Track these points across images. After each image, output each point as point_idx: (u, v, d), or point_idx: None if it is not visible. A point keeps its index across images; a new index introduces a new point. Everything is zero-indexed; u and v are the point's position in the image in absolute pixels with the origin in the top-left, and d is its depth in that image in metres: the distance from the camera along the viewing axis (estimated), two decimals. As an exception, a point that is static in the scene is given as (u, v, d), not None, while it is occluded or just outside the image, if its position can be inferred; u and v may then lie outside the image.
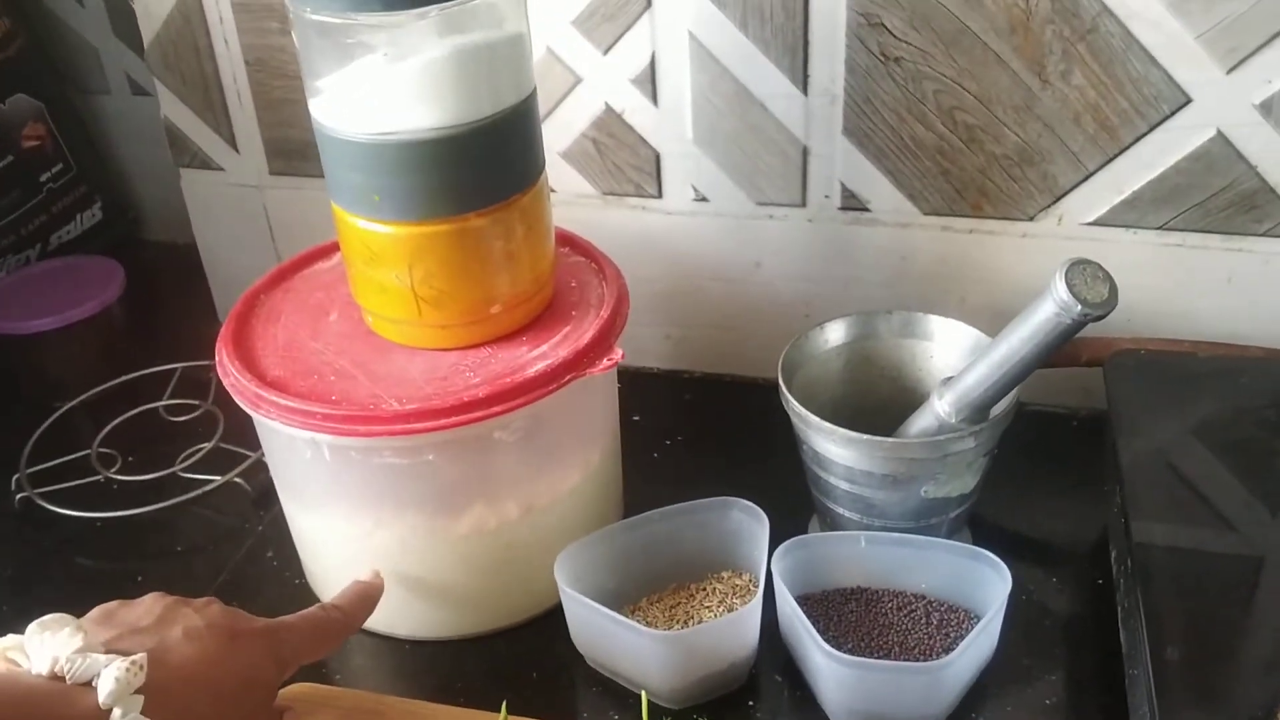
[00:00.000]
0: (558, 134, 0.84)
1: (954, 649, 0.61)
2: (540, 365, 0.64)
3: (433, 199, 0.62)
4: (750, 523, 0.67)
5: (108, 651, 0.49)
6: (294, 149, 0.92)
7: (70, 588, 0.76)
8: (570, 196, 0.87)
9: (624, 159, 0.85)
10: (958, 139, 0.77)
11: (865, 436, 0.64)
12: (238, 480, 0.82)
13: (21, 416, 0.90)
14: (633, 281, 0.72)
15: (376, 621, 0.70)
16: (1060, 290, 0.58)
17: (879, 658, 0.64)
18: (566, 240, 0.75)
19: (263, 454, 0.73)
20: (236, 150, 0.94)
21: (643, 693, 0.60)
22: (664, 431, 0.85)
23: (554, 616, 0.68)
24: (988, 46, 0.73)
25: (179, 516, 0.80)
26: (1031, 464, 0.77)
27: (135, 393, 0.92)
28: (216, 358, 0.67)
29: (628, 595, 0.69)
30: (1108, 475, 0.68)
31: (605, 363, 0.65)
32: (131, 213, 1.17)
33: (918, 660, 0.64)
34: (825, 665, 0.60)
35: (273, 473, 0.72)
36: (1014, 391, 0.65)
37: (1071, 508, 0.75)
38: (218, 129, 0.94)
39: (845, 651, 0.62)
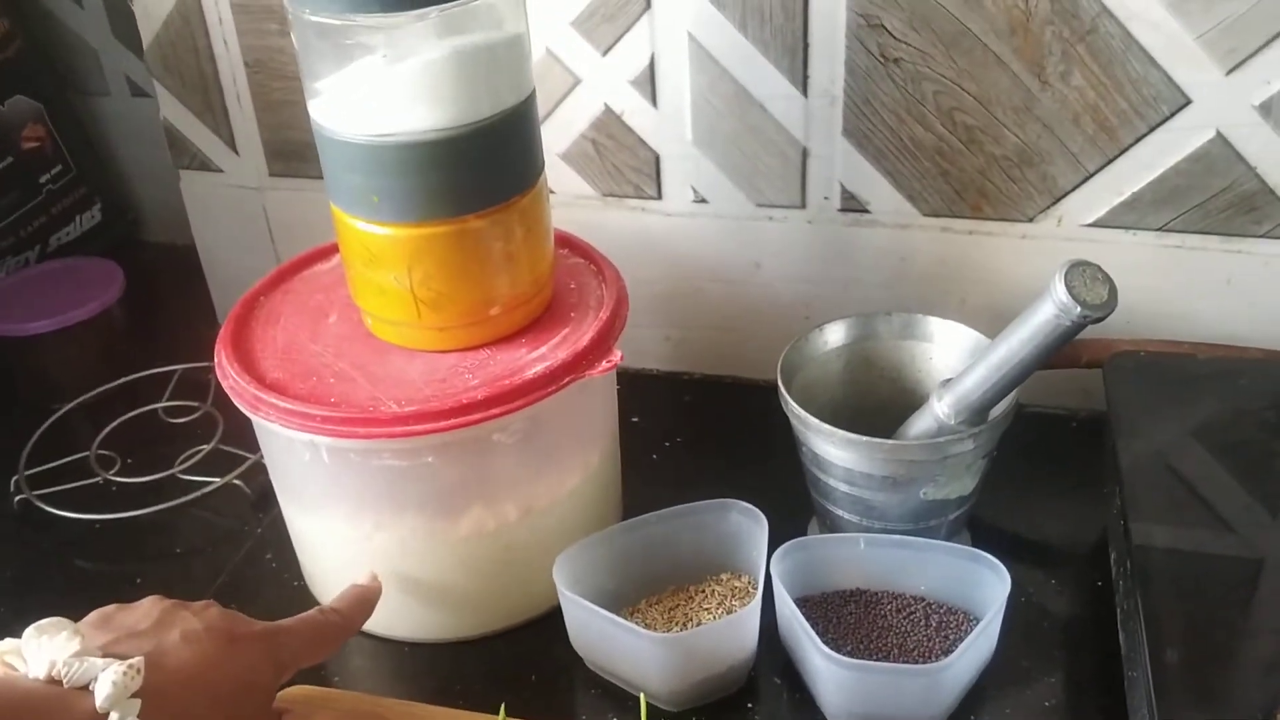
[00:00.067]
0: (557, 135, 0.84)
1: (953, 651, 0.61)
2: (539, 367, 0.64)
3: (432, 200, 0.62)
4: (749, 525, 0.67)
5: (105, 655, 0.49)
6: (293, 150, 0.92)
7: (69, 590, 0.76)
8: (569, 198, 0.87)
9: (623, 160, 0.85)
10: (957, 140, 0.77)
11: (864, 438, 0.64)
12: (237, 482, 0.82)
13: (20, 418, 0.90)
14: (632, 283, 0.72)
15: (375, 623, 0.70)
16: (1060, 292, 0.58)
17: (878, 660, 0.64)
18: (566, 242, 0.75)
19: (262, 456, 0.73)
20: (236, 152, 0.94)
21: (641, 695, 0.60)
22: (663, 433, 0.85)
23: (553, 618, 0.68)
24: (987, 48, 0.73)
25: (178, 518, 0.80)
26: (1031, 466, 0.77)
27: (134, 394, 0.92)
28: (215, 359, 0.67)
29: (627, 597, 0.69)
30: (1107, 477, 0.68)
31: (604, 365, 0.65)
32: (131, 214, 1.17)
33: (917, 662, 0.64)
34: (824, 667, 0.60)
35: (271, 475, 0.71)
36: (1013, 393, 0.65)
37: (1071, 509, 0.75)
38: (217, 130, 0.94)
39: (844, 653, 0.62)
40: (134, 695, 0.47)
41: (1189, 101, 0.71)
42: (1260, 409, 0.66)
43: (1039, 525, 0.75)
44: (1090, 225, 0.77)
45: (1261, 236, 0.75)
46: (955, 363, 0.71)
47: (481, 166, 0.62)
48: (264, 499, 0.79)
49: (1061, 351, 0.63)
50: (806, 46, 0.77)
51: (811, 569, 0.66)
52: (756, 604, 0.63)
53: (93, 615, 0.53)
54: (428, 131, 0.60)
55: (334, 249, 0.75)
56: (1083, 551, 0.73)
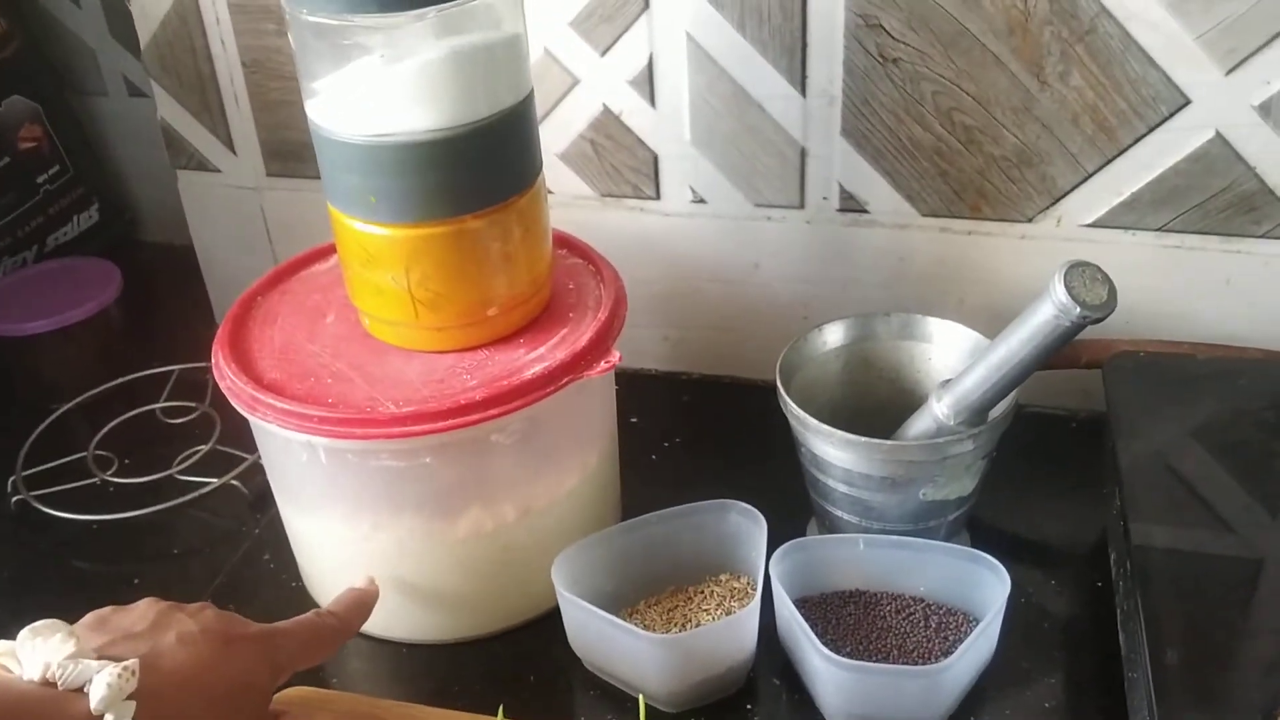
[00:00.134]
0: (555, 135, 0.84)
1: (953, 652, 0.61)
2: (537, 368, 0.63)
3: (429, 201, 0.62)
4: (748, 525, 0.67)
5: (100, 657, 0.48)
6: (291, 150, 0.92)
7: (66, 591, 0.76)
8: (568, 198, 0.87)
9: (622, 160, 0.84)
10: (956, 140, 0.77)
11: (863, 439, 0.64)
12: (234, 483, 0.81)
13: (18, 419, 0.90)
14: (630, 283, 0.72)
15: (373, 625, 0.70)
16: (1059, 292, 0.58)
17: (878, 661, 0.64)
18: (564, 242, 0.75)
19: (259, 456, 0.73)
20: (233, 152, 0.94)
21: (640, 696, 0.60)
22: (662, 433, 0.85)
23: (551, 619, 0.67)
24: (986, 48, 0.73)
25: (175, 519, 0.80)
26: (1030, 466, 0.77)
27: (132, 395, 0.92)
28: (213, 360, 0.67)
29: (625, 598, 0.68)
30: (1107, 477, 0.68)
31: (603, 365, 0.65)
32: (128, 214, 1.17)
33: (916, 663, 0.63)
34: (824, 668, 0.60)
35: (269, 475, 0.71)
36: (1013, 394, 0.65)
37: (1070, 510, 0.75)
38: (214, 130, 0.94)
39: (844, 655, 0.62)
40: (129, 697, 0.47)
41: (1188, 102, 0.71)
42: (1260, 409, 0.66)
43: (1038, 526, 0.75)
44: (1089, 225, 0.77)
45: (1261, 237, 0.75)
46: (954, 363, 0.71)
47: (479, 167, 0.62)
48: (262, 499, 0.79)
49: (1061, 352, 0.63)
50: (805, 46, 0.76)
51: (810, 570, 0.66)
52: (755, 605, 0.63)
53: (88, 617, 0.53)
54: (425, 132, 0.60)
55: (331, 249, 0.75)
56: (1082, 552, 0.72)
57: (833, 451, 0.66)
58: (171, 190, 0.98)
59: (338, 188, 0.64)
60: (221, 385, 0.65)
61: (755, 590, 0.65)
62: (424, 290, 0.64)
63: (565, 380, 0.63)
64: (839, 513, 0.69)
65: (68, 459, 0.85)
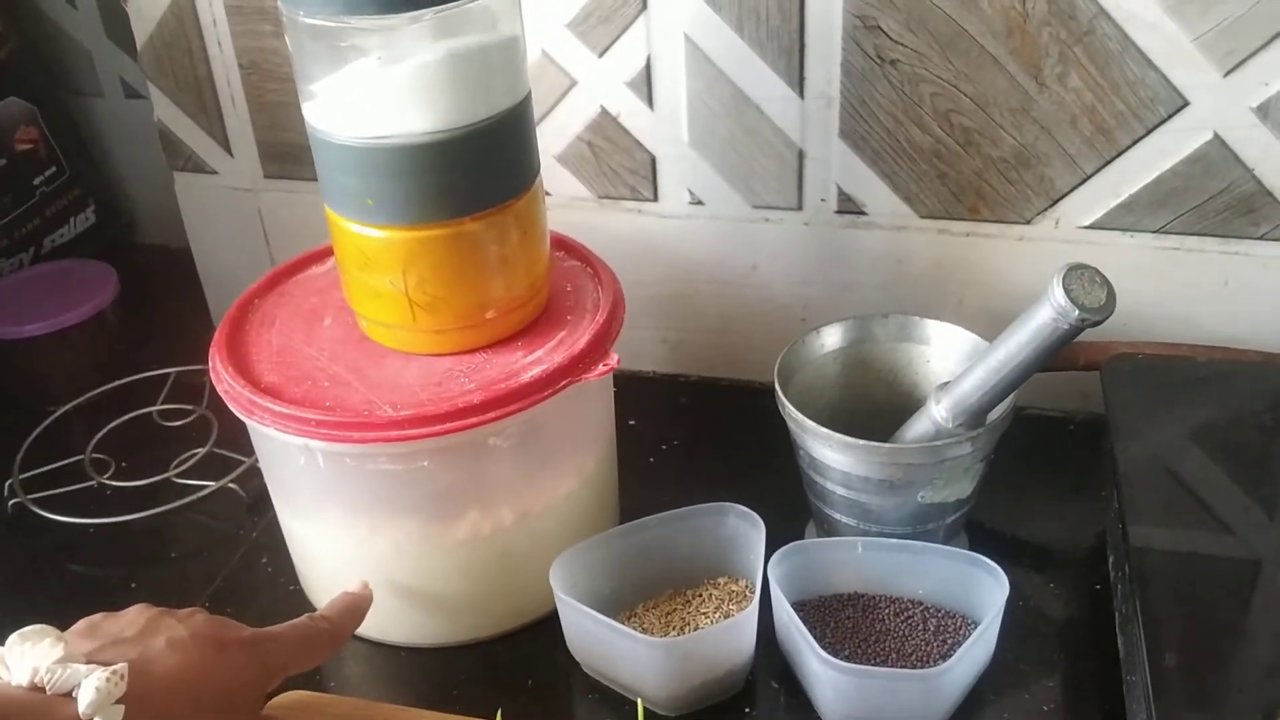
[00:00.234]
0: (553, 137, 0.84)
1: (951, 655, 0.61)
2: (535, 371, 0.63)
3: (427, 203, 0.62)
4: (746, 528, 0.67)
5: (89, 662, 0.48)
6: (288, 152, 0.92)
7: (63, 594, 0.76)
8: (565, 200, 0.87)
9: (619, 162, 0.84)
10: (954, 142, 0.77)
11: (862, 442, 0.64)
12: (232, 486, 0.81)
13: (14, 421, 0.89)
14: (628, 285, 0.72)
15: (371, 628, 0.70)
16: (1058, 295, 0.58)
17: (876, 664, 0.64)
18: (562, 244, 0.75)
19: (257, 459, 0.73)
20: (230, 154, 0.94)
21: (639, 700, 0.60)
22: (660, 436, 0.85)
23: (550, 623, 0.67)
24: (984, 49, 0.73)
25: (173, 522, 0.80)
26: (1029, 468, 0.77)
27: (129, 397, 0.91)
28: (210, 363, 0.67)
29: (624, 601, 0.68)
30: (1105, 480, 0.68)
31: (601, 368, 0.65)
32: (125, 216, 1.17)
33: (915, 666, 0.63)
34: (822, 672, 0.59)
35: (267, 479, 0.71)
36: (1011, 396, 0.65)
37: (1069, 512, 0.75)
38: (211, 132, 0.93)
39: (842, 658, 0.62)
40: (118, 701, 0.47)
41: (1186, 103, 0.71)
42: (1258, 411, 0.66)
43: (1037, 528, 0.75)
44: (1088, 227, 0.77)
45: (1259, 238, 0.75)
46: (952, 365, 0.71)
47: (477, 169, 0.62)
48: (259, 503, 0.79)
49: (1059, 354, 0.63)
50: (803, 48, 0.76)
51: (809, 573, 0.66)
52: (754, 608, 0.63)
53: (79, 624, 0.53)
54: (423, 134, 0.60)
55: (329, 252, 0.75)
56: (1081, 554, 0.72)
57: (831, 454, 0.66)
58: (168, 192, 0.98)
59: (335, 190, 0.64)
60: (219, 389, 0.65)
61: (753, 593, 0.65)
62: (421, 293, 0.64)
63: (563, 383, 0.63)
64: (837, 515, 0.69)
65: (64, 462, 0.85)
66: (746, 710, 0.64)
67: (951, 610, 0.66)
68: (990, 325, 0.68)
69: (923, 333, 0.73)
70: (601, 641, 0.64)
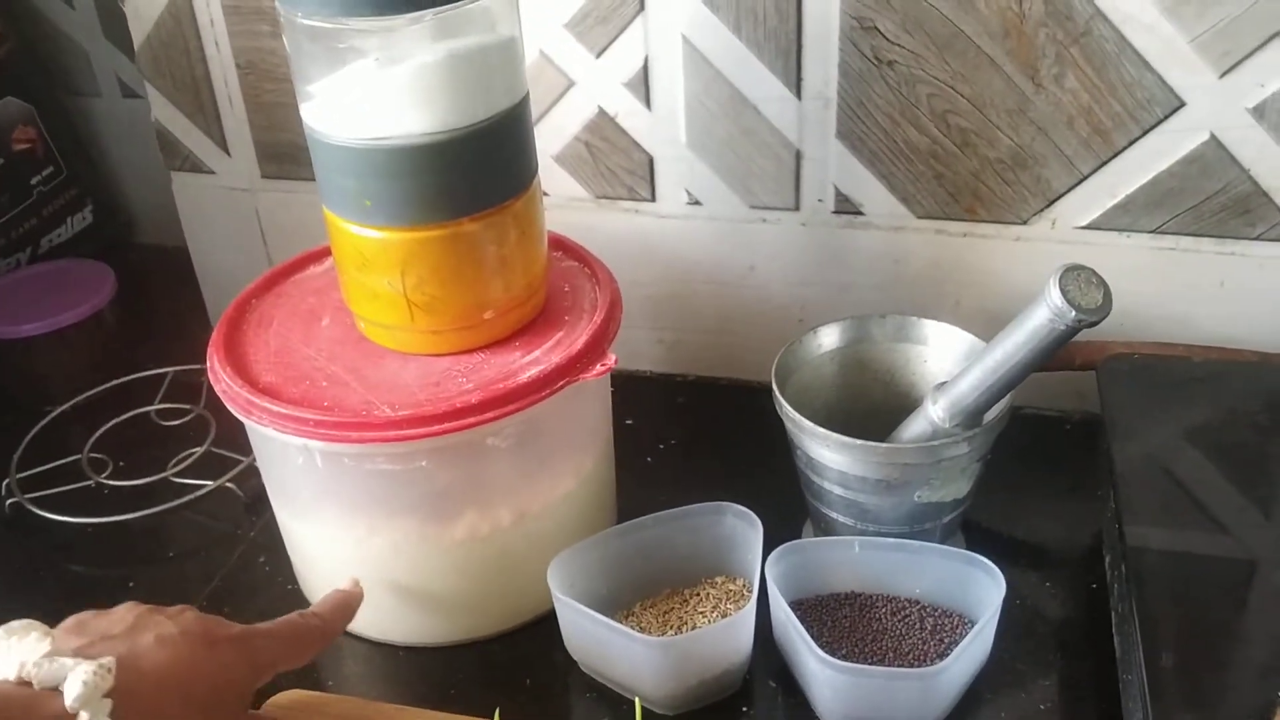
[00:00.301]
0: (550, 137, 0.84)
1: (948, 654, 0.61)
2: (533, 371, 0.63)
3: (425, 204, 0.62)
4: (744, 528, 0.67)
5: (77, 657, 0.48)
6: (285, 152, 0.92)
7: (61, 594, 0.76)
8: (563, 200, 0.87)
9: (617, 162, 0.84)
10: (951, 142, 0.77)
11: (859, 442, 0.64)
12: (230, 485, 0.81)
13: (12, 421, 0.89)
14: (626, 285, 0.72)
15: (369, 628, 0.70)
16: (1054, 296, 0.58)
17: (873, 663, 0.64)
18: (559, 244, 0.75)
19: (255, 459, 0.73)
20: (228, 153, 0.94)
21: (636, 699, 0.60)
22: (657, 436, 0.85)
23: (548, 622, 0.67)
24: (981, 50, 0.73)
25: (171, 522, 0.80)
26: (1025, 468, 0.77)
27: (126, 397, 0.91)
28: (208, 363, 0.67)
29: (621, 601, 0.68)
30: (1101, 479, 0.68)
31: (599, 369, 0.65)
32: (122, 216, 1.17)
33: (912, 665, 0.64)
34: (819, 671, 0.60)
35: (265, 478, 0.71)
36: (1008, 396, 0.65)
37: (1065, 512, 0.75)
38: (209, 132, 0.93)
39: (839, 657, 0.62)
40: (106, 696, 0.47)
41: (1183, 104, 0.71)
42: (1254, 411, 0.66)
43: (1034, 528, 0.75)
44: (1084, 228, 0.77)
45: (1255, 239, 0.75)
46: (949, 365, 0.71)
47: (475, 170, 0.62)
48: (257, 502, 0.79)
49: (1056, 354, 0.63)
50: (800, 49, 0.77)
51: (806, 572, 0.66)
52: (751, 607, 0.63)
53: (67, 621, 0.52)
54: (421, 135, 0.60)
55: (326, 252, 0.75)
56: (1077, 554, 0.73)
57: (828, 454, 0.66)
58: (166, 192, 0.98)
59: (333, 191, 0.64)
60: (217, 389, 0.65)
61: (751, 593, 0.65)
62: (420, 294, 0.64)
63: (561, 383, 0.63)
64: (834, 515, 0.69)
65: (62, 461, 0.85)
66: (744, 709, 0.64)
67: (948, 609, 0.66)
68: (987, 325, 0.68)
69: (920, 333, 0.73)
70: (599, 641, 0.64)
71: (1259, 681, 0.52)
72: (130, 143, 1.12)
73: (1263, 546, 0.58)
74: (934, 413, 0.66)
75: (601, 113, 0.83)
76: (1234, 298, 0.77)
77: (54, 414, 0.90)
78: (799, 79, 0.78)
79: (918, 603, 0.67)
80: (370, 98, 0.60)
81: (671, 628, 0.67)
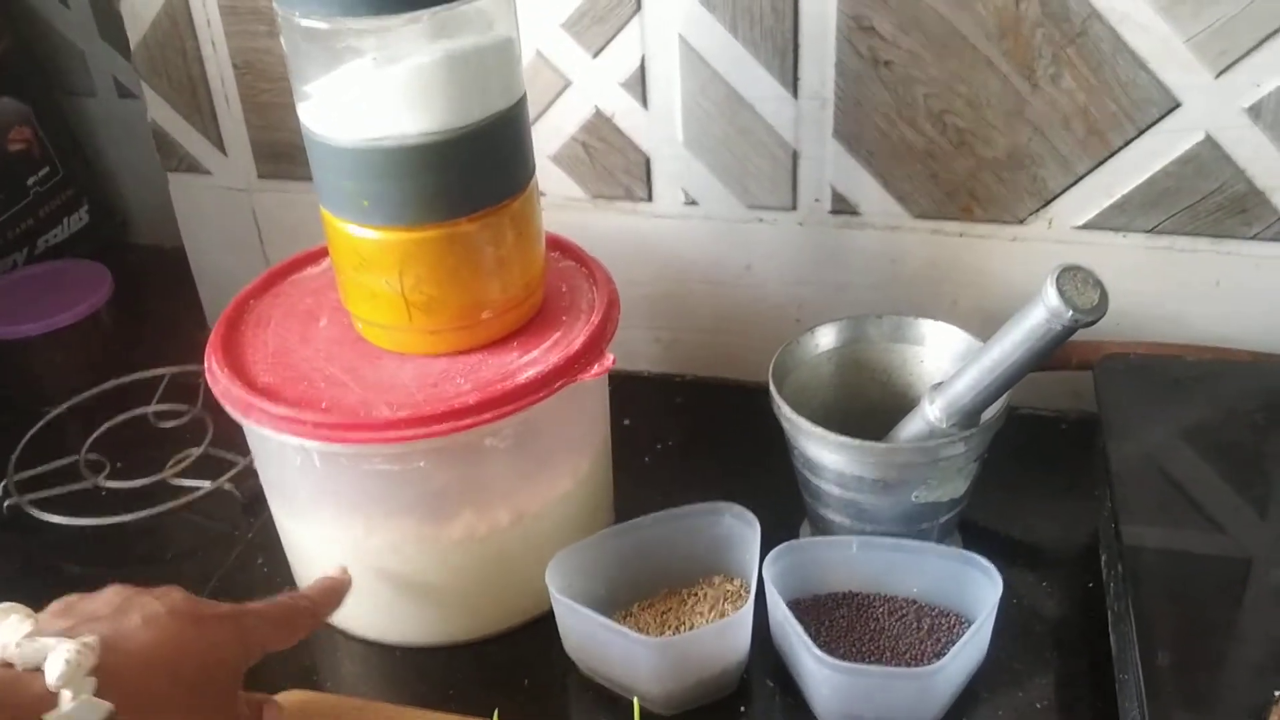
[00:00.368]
0: (547, 137, 0.84)
1: (945, 653, 0.61)
2: (531, 371, 0.63)
3: (422, 204, 0.62)
4: (741, 528, 0.67)
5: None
6: (282, 152, 0.92)
7: (58, 595, 0.74)
8: (560, 200, 0.87)
9: (614, 162, 0.84)
10: (948, 142, 0.77)
11: (856, 441, 0.64)
12: (227, 486, 0.81)
13: (9, 422, 0.89)
14: (623, 285, 0.72)
15: (367, 628, 0.70)
16: (1051, 296, 0.58)
17: (870, 662, 0.64)
18: (557, 244, 0.75)
19: (252, 459, 0.73)
20: (224, 153, 0.94)
21: (635, 699, 0.60)
22: (655, 436, 0.85)
23: (546, 623, 0.67)
24: (977, 50, 0.73)
25: (168, 523, 0.80)
26: (1022, 468, 0.77)
27: (123, 398, 0.91)
28: (206, 364, 0.67)
29: (619, 601, 0.69)
30: (1098, 479, 0.68)
31: (596, 369, 0.65)
32: (119, 216, 1.17)
33: (909, 665, 0.64)
34: (817, 670, 0.60)
35: (262, 479, 0.71)
36: (1004, 396, 0.65)
37: (1062, 511, 0.75)
38: (205, 132, 0.93)
39: (837, 656, 0.62)
40: (90, 675, 0.46)
41: (1178, 104, 0.72)
42: (1250, 411, 0.66)
43: (1030, 527, 0.75)
44: (1080, 227, 0.78)
45: (1251, 239, 0.75)
46: (946, 365, 0.71)
47: (472, 170, 0.62)
48: (255, 503, 0.79)
49: (1052, 354, 0.63)
50: (797, 48, 0.77)
51: (804, 572, 0.66)
52: (749, 607, 0.63)
53: (54, 604, 0.52)
54: (418, 135, 0.60)
55: (324, 252, 0.75)
56: (1074, 554, 0.73)
57: (825, 454, 0.66)
58: (162, 192, 0.98)
59: (330, 191, 0.64)
60: (215, 390, 0.65)
61: (749, 592, 0.65)
62: (417, 294, 0.64)
63: (559, 384, 0.64)
64: (832, 515, 0.69)
65: (60, 463, 0.85)
66: (742, 709, 0.65)
67: (945, 609, 0.66)
68: (984, 325, 0.68)
69: (917, 333, 0.73)
70: (597, 641, 0.64)
71: (1254, 680, 0.52)
72: (127, 143, 1.12)
73: (1258, 545, 0.59)
74: (931, 412, 0.66)
75: (598, 113, 0.83)
76: (1230, 297, 0.77)
77: (51, 415, 0.90)
78: (796, 79, 0.78)
79: (915, 602, 0.67)
80: (367, 98, 0.60)
81: (669, 628, 0.67)
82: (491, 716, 0.59)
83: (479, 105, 0.61)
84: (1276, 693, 0.50)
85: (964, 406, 0.65)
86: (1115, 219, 0.77)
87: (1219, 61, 0.70)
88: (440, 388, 0.64)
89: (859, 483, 0.66)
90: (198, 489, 0.81)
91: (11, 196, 1.04)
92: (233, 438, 0.81)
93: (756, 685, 0.66)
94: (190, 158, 0.95)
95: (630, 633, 0.63)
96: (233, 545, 0.78)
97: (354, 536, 0.66)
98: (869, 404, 0.74)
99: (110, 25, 1.06)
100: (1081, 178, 0.76)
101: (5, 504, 0.82)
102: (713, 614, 0.67)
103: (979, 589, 0.64)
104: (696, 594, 0.69)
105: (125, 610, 0.51)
